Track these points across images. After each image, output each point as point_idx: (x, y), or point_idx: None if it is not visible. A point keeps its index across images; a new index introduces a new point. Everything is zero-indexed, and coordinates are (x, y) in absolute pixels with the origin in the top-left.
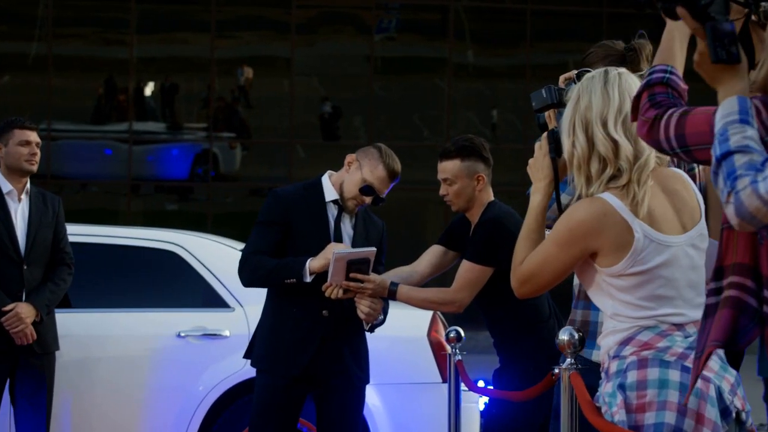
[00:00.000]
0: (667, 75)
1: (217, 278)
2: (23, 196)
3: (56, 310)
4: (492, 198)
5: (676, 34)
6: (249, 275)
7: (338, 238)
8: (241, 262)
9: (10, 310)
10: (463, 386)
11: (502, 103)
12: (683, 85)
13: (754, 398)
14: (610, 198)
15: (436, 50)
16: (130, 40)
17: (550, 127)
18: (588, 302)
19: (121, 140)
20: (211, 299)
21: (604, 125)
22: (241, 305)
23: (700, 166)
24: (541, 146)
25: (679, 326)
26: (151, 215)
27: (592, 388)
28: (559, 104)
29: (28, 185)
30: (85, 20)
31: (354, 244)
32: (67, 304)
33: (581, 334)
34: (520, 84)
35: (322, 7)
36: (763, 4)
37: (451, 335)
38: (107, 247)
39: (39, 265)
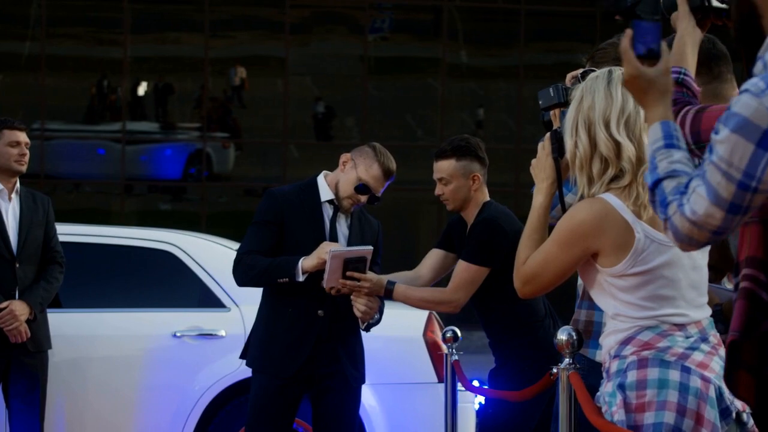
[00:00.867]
0: (682, 76)
1: (213, 278)
2: (13, 196)
3: (54, 310)
4: (487, 198)
5: (688, 39)
6: (242, 275)
7: (333, 238)
8: (236, 262)
9: (5, 308)
10: (459, 386)
11: (495, 104)
12: (696, 87)
13: None
14: (611, 198)
15: (430, 50)
16: (124, 40)
17: (555, 126)
18: (592, 302)
19: (115, 140)
20: (207, 299)
21: (607, 126)
22: (236, 305)
23: None
24: (544, 146)
25: (681, 326)
26: (144, 215)
27: (596, 388)
28: (566, 103)
29: (18, 185)
30: (79, 20)
31: (349, 244)
32: (62, 304)
33: (580, 333)
34: (514, 84)
35: (316, 7)
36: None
37: (448, 335)
38: (104, 247)
39: (31, 263)
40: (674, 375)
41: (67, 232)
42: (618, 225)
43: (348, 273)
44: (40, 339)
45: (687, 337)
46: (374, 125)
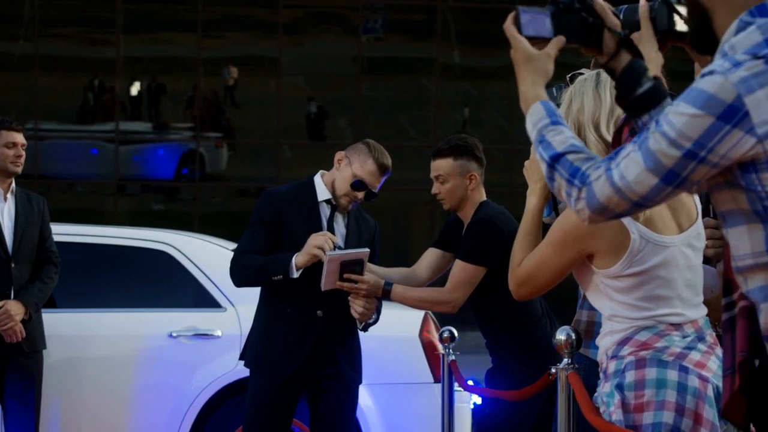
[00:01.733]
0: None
1: (209, 278)
2: (9, 196)
3: (50, 310)
4: (484, 198)
5: (651, 65)
6: (239, 275)
7: None
8: (232, 262)
9: (0, 308)
10: (456, 386)
11: (488, 104)
12: (663, 90)
13: None
14: None
15: (423, 51)
16: (117, 40)
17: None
18: None
19: (108, 140)
20: (203, 299)
21: (596, 128)
22: (233, 305)
23: None
24: None
25: (677, 326)
26: (137, 215)
27: (596, 389)
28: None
29: (14, 185)
30: (72, 20)
31: (347, 244)
32: (57, 304)
33: (579, 333)
34: (507, 84)
35: (309, 7)
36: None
37: (445, 335)
38: (99, 247)
39: (26, 263)
40: (672, 375)
41: (63, 232)
42: (613, 226)
43: (345, 275)
44: (35, 339)
45: (684, 337)
46: (367, 125)
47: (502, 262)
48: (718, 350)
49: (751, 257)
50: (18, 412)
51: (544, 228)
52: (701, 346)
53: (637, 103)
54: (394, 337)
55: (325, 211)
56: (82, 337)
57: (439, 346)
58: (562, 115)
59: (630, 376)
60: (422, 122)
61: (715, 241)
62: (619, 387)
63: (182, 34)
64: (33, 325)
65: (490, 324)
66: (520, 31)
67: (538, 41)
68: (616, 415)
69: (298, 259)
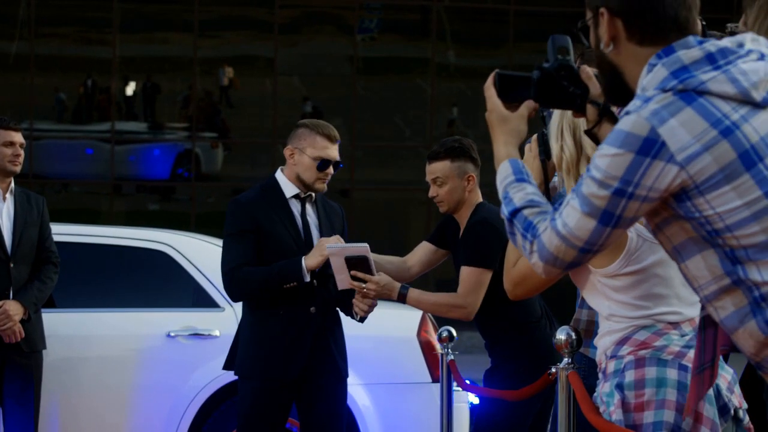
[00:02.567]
0: None
1: (206, 278)
2: (8, 196)
3: (47, 310)
4: (480, 199)
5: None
6: (238, 290)
7: (307, 231)
8: (227, 278)
9: None
10: (455, 386)
11: (484, 104)
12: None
13: None
14: None
15: (418, 50)
16: (113, 40)
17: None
18: None
19: (103, 140)
20: (200, 299)
21: None
22: (230, 305)
23: None
24: (531, 148)
25: (675, 324)
26: (133, 215)
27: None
28: None
29: (13, 185)
30: (67, 19)
31: (321, 231)
32: (56, 304)
33: (579, 333)
34: None
35: (305, 7)
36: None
37: (444, 335)
38: (98, 246)
39: (25, 263)
40: (672, 373)
41: (62, 232)
42: None
43: (353, 273)
44: (34, 339)
45: (682, 335)
46: (363, 125)
47: (500, 264)
48: None
49: (713, 283)
50: (17, 412)
51: None
52: None
53: None
54: (392, 337)
55: (296, 206)
56: (80, 337)
57: (438, 346)
58: (556, 119)
59: (630, 376)
60: (418, 122)
61: None
62: (619, 386)
63: (178, 34)
64: (32, 325)
65: (489, 325)
66: (499, 94)
67: (515, 104)
68: (616, 414)
69: (309, 261)
